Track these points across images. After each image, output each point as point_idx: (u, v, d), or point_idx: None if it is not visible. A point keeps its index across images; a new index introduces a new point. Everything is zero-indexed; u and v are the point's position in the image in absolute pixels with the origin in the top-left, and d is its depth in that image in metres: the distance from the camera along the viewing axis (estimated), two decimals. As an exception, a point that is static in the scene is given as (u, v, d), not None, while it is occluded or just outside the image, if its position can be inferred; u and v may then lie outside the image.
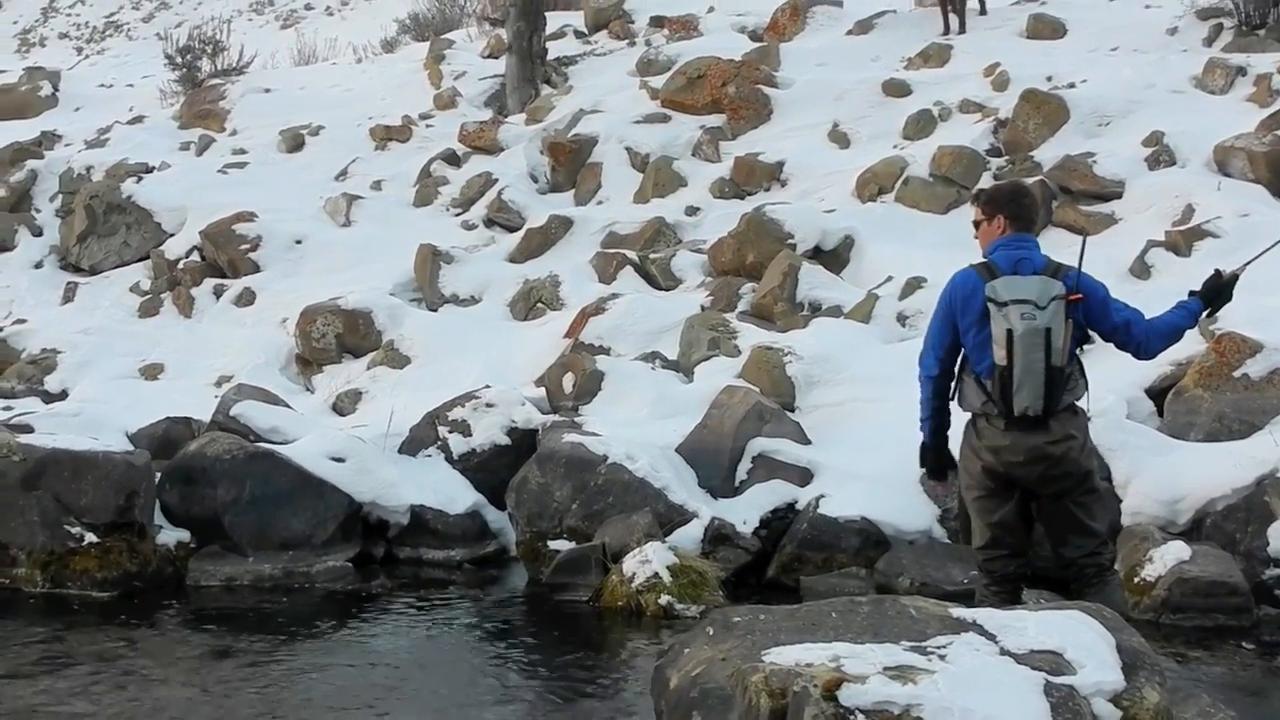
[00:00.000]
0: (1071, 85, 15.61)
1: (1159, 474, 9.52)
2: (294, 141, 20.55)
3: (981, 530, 6.88)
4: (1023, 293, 6.57)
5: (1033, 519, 6.97)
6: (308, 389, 14.22)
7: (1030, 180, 13.63)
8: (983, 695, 4.84)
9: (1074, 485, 6.77)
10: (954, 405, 7.02)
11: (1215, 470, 9.44)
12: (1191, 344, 10.56)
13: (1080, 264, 6.82)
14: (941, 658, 5.11)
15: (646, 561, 9.28)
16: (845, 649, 5.15)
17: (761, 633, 5.52)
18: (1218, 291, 7.16)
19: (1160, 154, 13.81)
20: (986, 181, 13.98)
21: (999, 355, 6.57)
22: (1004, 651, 5.23)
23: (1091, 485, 6.91)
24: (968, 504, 6.96)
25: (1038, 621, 5.47)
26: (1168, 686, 5.34)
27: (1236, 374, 10.16)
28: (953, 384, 6.92)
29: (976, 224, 7.07)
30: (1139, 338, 6.93)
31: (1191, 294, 7.16)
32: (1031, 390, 6.55)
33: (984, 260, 6.80)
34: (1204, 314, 7.25)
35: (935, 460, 7.19)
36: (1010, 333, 6.52)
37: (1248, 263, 7.29)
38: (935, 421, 7.07)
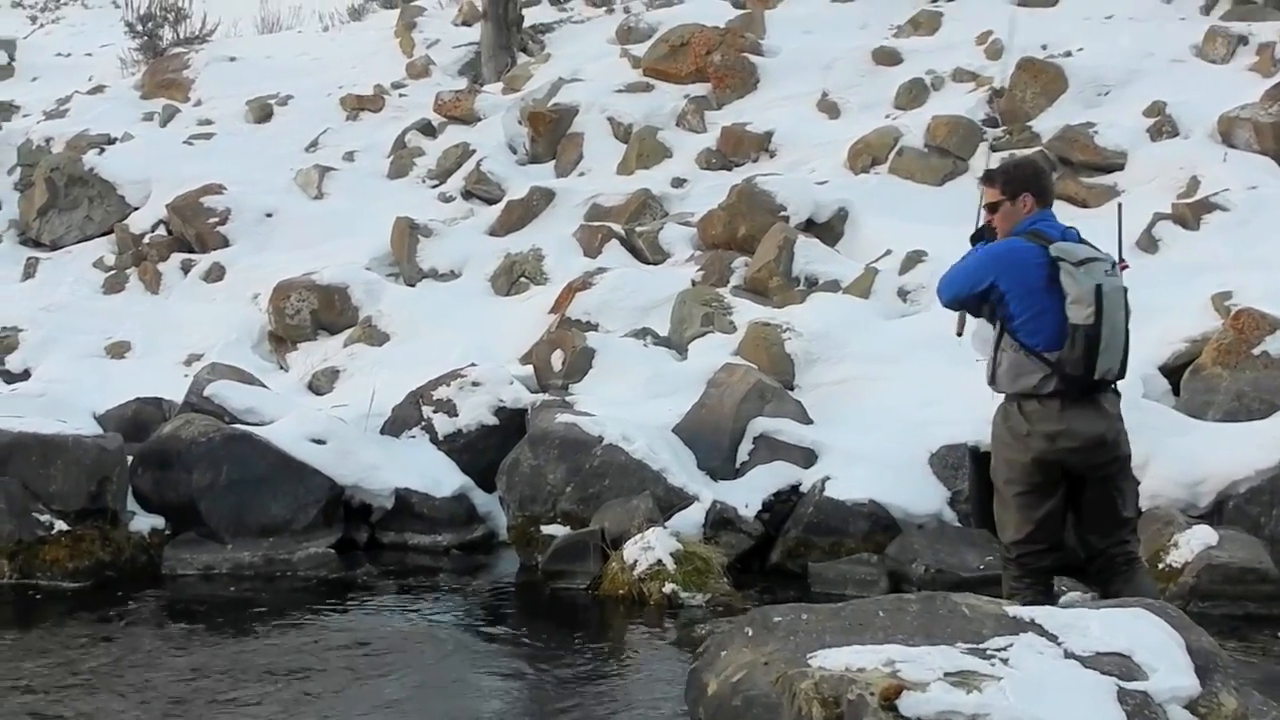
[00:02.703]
0: (1068, 54, 15.36)
1: (1178, 455, 9.20)
2: (262, 111, 20.21)
3: (1020, 524, 6.45)
4: (1092, 254, 6.20)
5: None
6: (282, 367, 13.92)
7: (1029, 152, 13.40)
8: (1053, 703, 4.53)
9: (1119, 470, 6.46)
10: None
11: (1237, 451, 9.14)
12: (1208, 320, 10.32)
13: (1120, 232, 6.52)
14: (1004, 662, 4.77)
15: (649, 548, 8.90)
16: (899, 652, 4.80)
17: (805, 634, 5.14)
18: None
19: (1163, 124, 13.54)
20: (983, 153, 13.63)
21: (1082, 314, 6.14)
22: (1069, 654, 4.90)
23: (1130, 470, 6.57)
24: (1005, 498, 6.50)
25: (1101, 621, 5.11)
26: (1243, 691, 4.97)
27: (1256, 351, 9.88)
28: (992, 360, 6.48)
29: (993, 205, 6.60)
30: None
31: None
32: (1115, 352, 6.24)
33: (1029, 231, 6.37)
34: None
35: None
36: (1100, 288, 6.13)
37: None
38: None
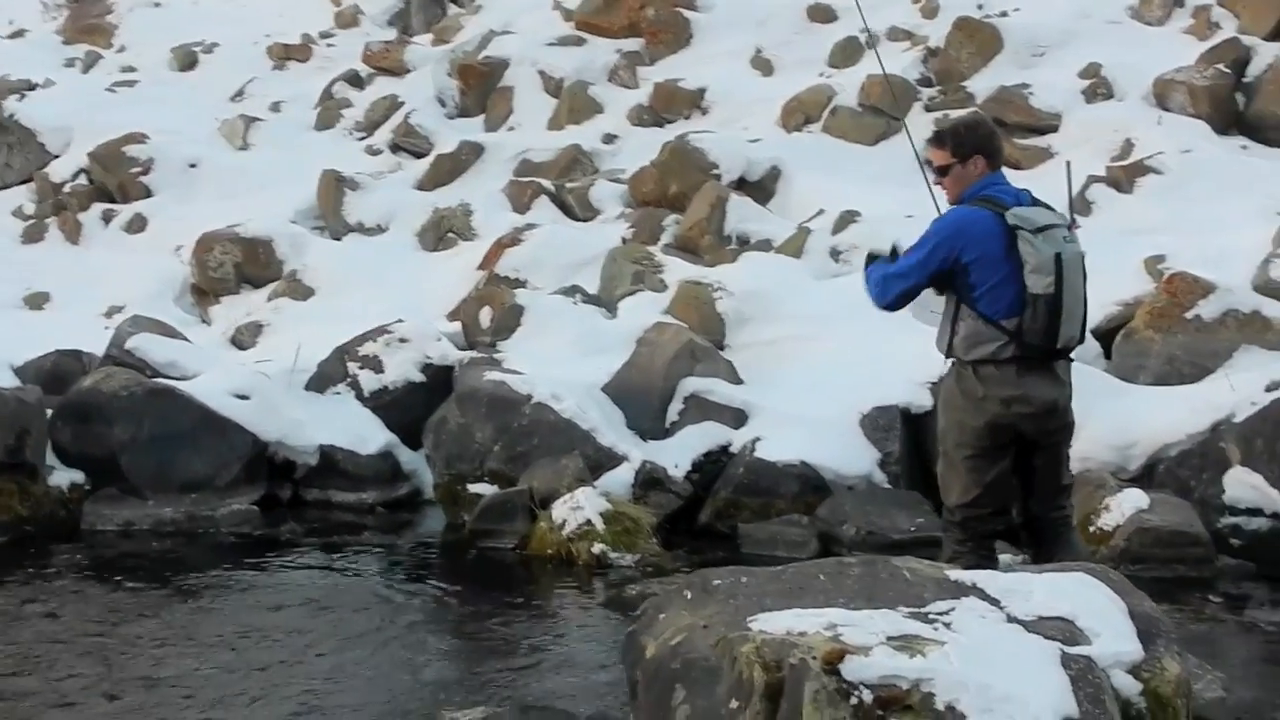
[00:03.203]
0: (1004, 14, 15.29)
1: (1110, 418, 9.16)
2: (186, 60, 19.95)
3: (968, 488, 6.31)
4: (1049, 219, 6.05)
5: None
6: (204, 321, 13.71)
7: (964, 112, 13.29)
8: (998, 669, 4.38)
9: (1067, 437, 6.34)
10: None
11: (1168, 415, 9.16)
12: (1141, 283, 10.31)
13: (1070, 192, 6.38)
14: (947, 626, 4.64)
15: (578, 508, 8.80)
16: (840, 616, 4.65)
17: (745, 597, 4.99)
18: None
19: (1098, 86, 13.56)
20: (918, 113, 13.66)
21: (1042, 284, 5.94)
22: (1012, 619, 4.77)
23: (1072, 436, 6.47)
24: (954, 461, 6.35)
25: (1044, 585, 4.99)
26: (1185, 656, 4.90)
27: (1188, 315, 9.89)
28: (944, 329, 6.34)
29: (943, 169, 6.32)
30: None
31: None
32: (1075, 320, 6.06)
33: (982, 197, 6.20)
34: None
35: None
36: (1059, 256, 5.96)
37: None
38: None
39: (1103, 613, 4.85)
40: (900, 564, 5.24)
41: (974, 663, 4.35)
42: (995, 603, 4.86)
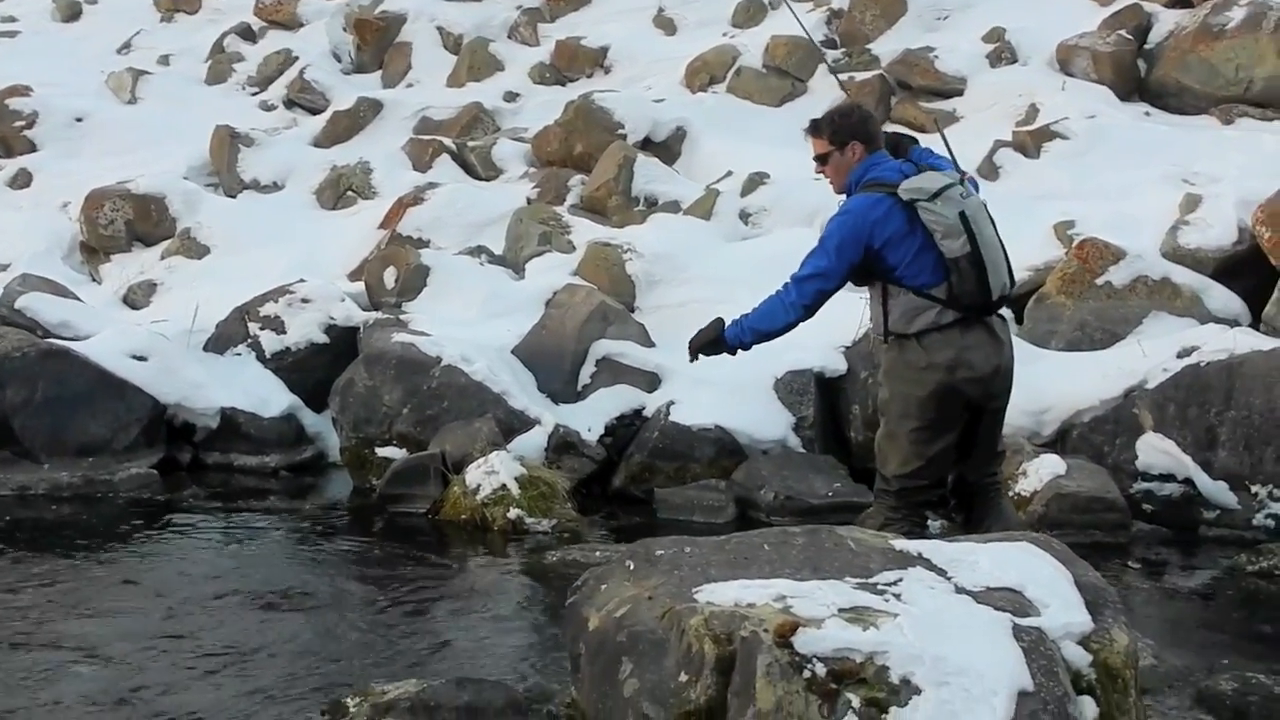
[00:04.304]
0: (906, -24, 15.16)
1: (1023, 384, 8.80)
2: (70, 10, 19.62)
3: (908, 459, 6.24)
4: (941, 181, 6.03)
5: None
6: (94, 279, 13.38)
7: (869, 75, 13.35)
8: (951, 640, 4.33)
9: (1006, 402, 6.29)
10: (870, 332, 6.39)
11: (1082, 380, 9.18)
12: (1051, 250, 10.35)
13: (950, 150, 6.48)
14: (898, 597, 4.58)
15: (492, 472, 8.65)
16: (789, 587, 4.59)
17: (689, 567, 4.89)
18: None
19: (1002, 50, 13.61)
20: (822, 75, 13.66)
21: (956, 245, 5.95)
22: (960, 589, 4.71)
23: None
24: (897, 433, 6.26)
25: (989, 555, 4.94)
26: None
27: (1099, 281, 9.91)
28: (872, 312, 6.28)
29: (823, 157, 6.35)
30: None
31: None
32: (1000, 269, 6.08)
33: (869, 181, 6.17)
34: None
35: (715, 350, 6.52)
36: (964, 214, 5.96)
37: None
38: (769, 338, 6.43)
39: (1050, 583, 4.82)
40: (845, 533, 5.17)
41: (927, 635, 4.30)
42: (942, 573, 4.81)
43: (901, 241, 6.02)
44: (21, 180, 15.15)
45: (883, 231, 6.02)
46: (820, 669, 4.13)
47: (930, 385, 6.06)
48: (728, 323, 6.44)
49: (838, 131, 6.29)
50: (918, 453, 6.17)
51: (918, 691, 4.11)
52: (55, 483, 9.35)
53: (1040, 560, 4.97)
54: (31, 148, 15.57)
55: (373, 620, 6.73)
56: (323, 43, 17.07)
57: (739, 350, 6.48)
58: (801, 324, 6.33)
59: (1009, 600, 4.62)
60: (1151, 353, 9.15)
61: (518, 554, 8.03)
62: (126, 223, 13.43)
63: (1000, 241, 6.14)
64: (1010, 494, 8.42)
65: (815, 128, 6.42)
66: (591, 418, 9.59)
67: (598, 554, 7.54)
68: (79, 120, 15.90)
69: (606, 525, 8.65)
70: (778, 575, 4.74)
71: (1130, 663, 4.61)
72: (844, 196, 6.31)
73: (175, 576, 7.43)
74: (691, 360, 6.65)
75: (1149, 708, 5.13)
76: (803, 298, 6.20)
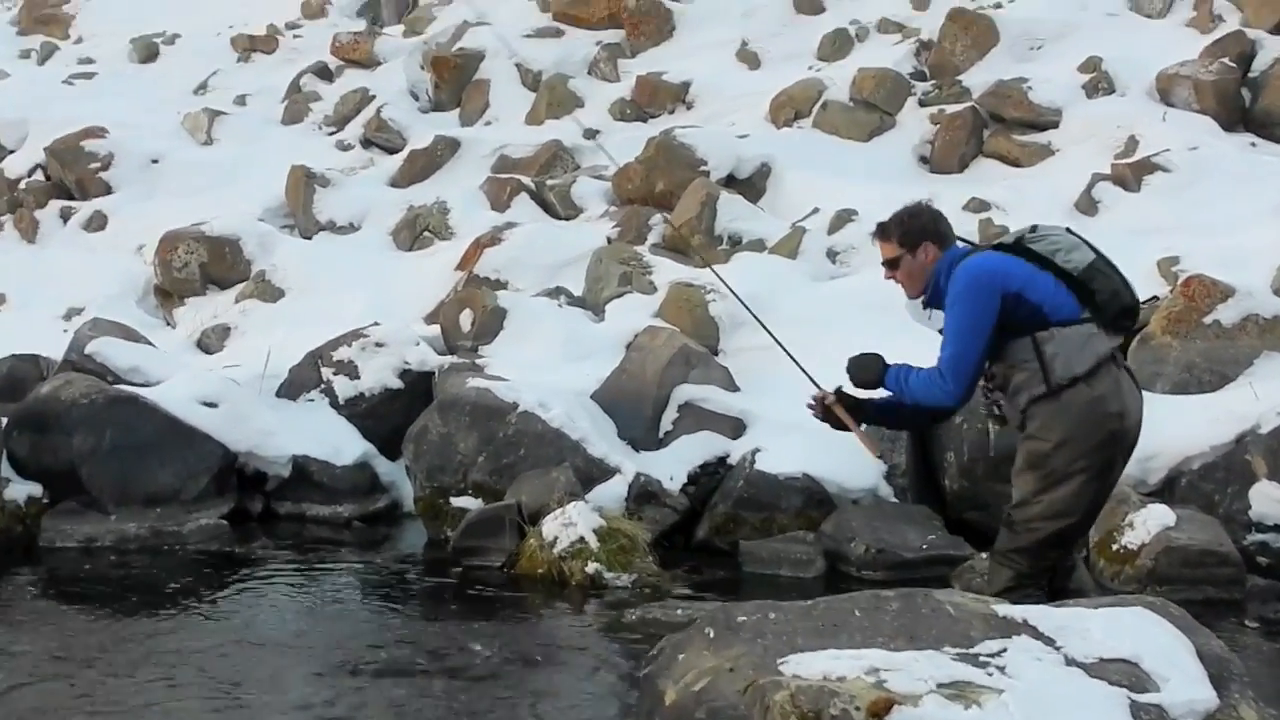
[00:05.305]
0: (998, 5, 15.05)
1: None
2: (147, 51, 19.77)
3: (1066, 511, 5.81)
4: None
5: None
6: (168, 323, 13.32)
7: (960, 107, 13.06)
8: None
9: None
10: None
11: (1190, 425, 8.75)
12: (1154, 286, 10.03)
13: None
14: (1001, 670, 4.25)
15: (570, 524, 8.34)
16: (881, 658, 4.27)
17: (774, 635, 4.60)
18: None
19: (1099, 81, 13.29)
20: (912, 107, 13.55)
21: (1081, 255, 5.85)
22: (1070, 661, 4.39)
23: None
24: (1059, 484, 5.79)
25: (1102, 622, 4.60)
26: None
27: (1207, 320, 9.54)
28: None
29: (893, 262, 6.12)
30: None
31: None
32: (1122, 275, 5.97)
33: (957, 260, 5.96)
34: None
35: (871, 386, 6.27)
36: (1069, 229, 6.00)
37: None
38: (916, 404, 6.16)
39: (1168, 653, 4.47)
40: (943, 597, 4.84)
41: (1035, 713, 3.98)
42: (1050, 642, 4.49)
43: (1034, 277, 5.80)
44: (97, 223, 15.15)
45: (1013, 273, 5.80)
46: (919, 752, 3.78)
47: (1104, 432, 5.76)
48: (887, 360, 6.21)
49: (908, 233, 6.06)
50: (1075, 506, 5.82)
51: (1026, 778, 3.78)
52: (122, 534, 9.19)
53: (1157, 627, 4.63)
54: (107, 190, 15.56)
55: (441, 684, 6.44)
56: (400, 81, 17.04)
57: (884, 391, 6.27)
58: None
59: (1124, 673, 4.29)
60: (1264, 395, 8.75)
61: (595, 611, 7.74)
62: (200, 265, 13.34)
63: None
64: (1115, 546, 8.11)
65: (883, 231, 6.20)
66: (674, 466, 9.29)
67: (679, 612, 7.29)
68: (154, 162, 15.89)
69: (689, 580, 8.31)
70: (870, 644, 4.46)
71: (1261, 742, 4.24)
72: (918, 302, 6.14)
73: (242, 636, 7.19)
74: (855, 385, 6.36)
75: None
76: (960, 382, 5.93)
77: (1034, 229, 5.94)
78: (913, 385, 6.04)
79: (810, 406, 6.48)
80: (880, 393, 6.31)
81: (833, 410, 6.38)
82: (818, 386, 6.48)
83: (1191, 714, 4.20)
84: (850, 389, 6.39)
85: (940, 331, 5.97)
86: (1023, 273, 5.77)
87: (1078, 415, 5.74)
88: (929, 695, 3.99)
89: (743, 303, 7.75)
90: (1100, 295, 5.78)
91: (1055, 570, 6.02)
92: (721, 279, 8.68)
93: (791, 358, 6.79)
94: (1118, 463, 5.91)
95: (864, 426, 6.54)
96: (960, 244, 6.12)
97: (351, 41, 18.28)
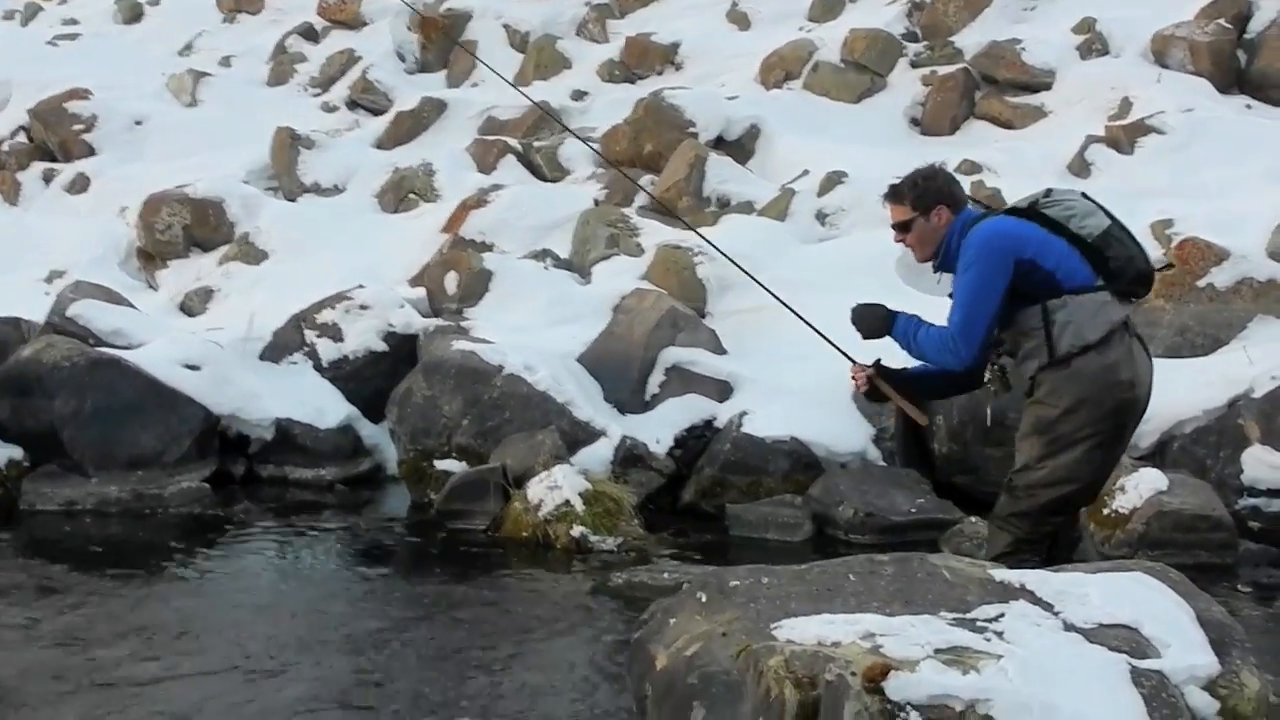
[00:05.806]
0: (991, -34, 14.75)
1: None
2: (132, 11, 19.66)
3: (1071, 477, 5.71)
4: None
5: None
6: (151, 286, 13.18)
7: (952, 69, 12.94)
8: (1062, 686, 3.87)
9: None
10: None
11: (1183, 389, 8.67)
12: (1149, 250, 9.80)
13: None
14: (999, 636, 4.13)
15: (556, 487, 8.29)
16: (877, 623, 4.16)
17: (767, 600, 4.48)
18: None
19: (1093, 42, 13.21)
20: (903, 68, 13.38)
21: (1096, 222, 5.71)
22: (1069, 626, 4.28)
23: None
24: (1066, 448, 5.68)
25: (1101, 587, 4.48)
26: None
27: (1200, 283, 9.59)
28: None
29: (904, 225, 5.97)
30: None
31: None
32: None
33: (972, 221, 5.86)
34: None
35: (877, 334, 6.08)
36: (1084, 194, 5.82)
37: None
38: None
39: (1169, 619, 4.37)
40: (939, 562, 4.76)
41: (1035, 679, 3.86)
42: (1049, 607, 4.38)
43: (1047, 243, 5.66)
44: (79, 185, 15.00)
45: (1027, 239, 5.68)
46: (915, 718, 3.69)
47: (1114, 400, 5.66)
48: (892, 308, 6.06)
49: (922, 196, 5.93)
50: (1078, 473, 5.71)
51: (1025, 744, 3.67)
52: (103, 497, 9.14)
53: (1157, 593, 4.52)
54: (90, 152, 15.39)
55: (428, 650, 6.32)
56: (386, 42, 16.90)
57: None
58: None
59: (1124, 639, 4.18)
60: (1258, 359, 8.73)
61: (581, 575, 7.65)
62: (184, 228, 13.19)
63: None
64: (1107, 510, 8.05)
65: (895, 193, 6.05)
66: (660, 429, 9.26)
67: (666, 576, 7.23)
68: (138, 123, 15.71)
69: (675, 543, 8.23)
70: (865, 609, 4.34)
71: (1262, 709, 4.17)
72: (909, 264, 6.08)
73: (224, 600, 7.12)
74: (862, 336, 6.16)
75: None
76: (971, 342, 5.76)
77: (1049, 193, 5.84)
78: (921, 341, 5.90)
79: (854, 379, 6.31)
80: (909, 361, 6.16)
81: (874, 383, 6.23)
82: (851, 360, 6.30)
83: (1192, 680, 4.10)
84: (860, 341, 6.23)
85: (950, 296, 5.86)
86: (1036, 238, 5.65)
87: (1088, 382, 5.63)
88: (926, 660, 3.88)
89: (754, 278, 7.51)
90: (1115, 262, 5.66)
91: (1055, 538, 5.91)
92: (712, 243, 8.54)
93: (820, 334, 6.60)
94: (1127, 431, 5.83)
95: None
96: (972, 207, 6.02)
97: (338, 3, 18.12)
